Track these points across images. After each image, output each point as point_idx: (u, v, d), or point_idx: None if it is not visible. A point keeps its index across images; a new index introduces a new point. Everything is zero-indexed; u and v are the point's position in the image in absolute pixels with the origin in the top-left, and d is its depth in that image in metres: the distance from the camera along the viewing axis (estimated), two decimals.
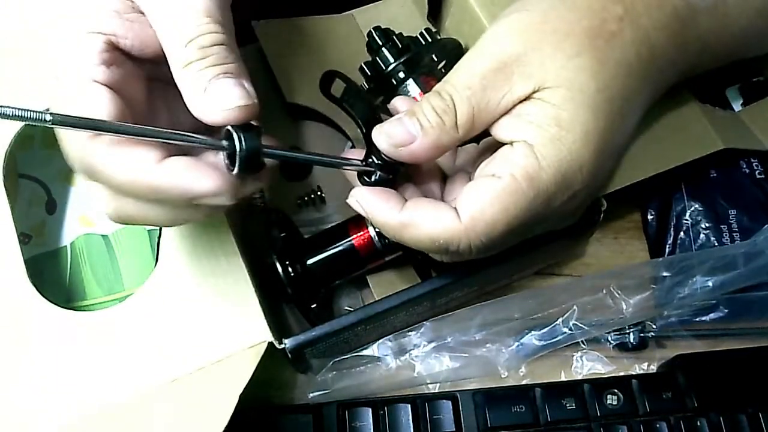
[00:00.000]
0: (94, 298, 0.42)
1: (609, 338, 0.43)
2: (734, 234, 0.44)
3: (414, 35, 0.44)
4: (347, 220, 0.41)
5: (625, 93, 0.30)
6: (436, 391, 0.42)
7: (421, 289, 0.37)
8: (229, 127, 0.27)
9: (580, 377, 0.43)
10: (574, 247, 0.46)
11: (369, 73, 0.43)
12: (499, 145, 0.30)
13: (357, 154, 0.32)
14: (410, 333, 0.41)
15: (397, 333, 0.41)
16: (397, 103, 0.33)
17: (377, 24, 0.43)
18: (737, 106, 0.47)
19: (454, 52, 0.46)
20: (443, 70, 0.47)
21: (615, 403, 0.41)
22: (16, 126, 0.38)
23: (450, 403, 0.40)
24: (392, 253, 0.40)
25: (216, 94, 0.26)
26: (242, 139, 0.26)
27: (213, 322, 0.36)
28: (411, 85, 0.42)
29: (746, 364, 0.42)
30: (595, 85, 0.29)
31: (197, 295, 0.36)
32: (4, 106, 0.24)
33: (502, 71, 0.29)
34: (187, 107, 0.27)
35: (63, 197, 0.44)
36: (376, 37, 0.43)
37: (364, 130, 0.39)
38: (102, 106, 0.27)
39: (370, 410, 0.40)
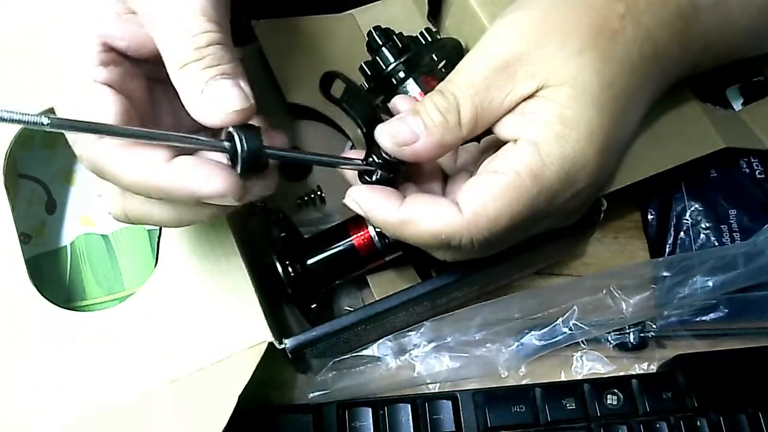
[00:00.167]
0: (94, 298, 0.42)
1: (609, 338, 0.43)
2: (734, 234, 0.44)
3: (414, 35, 0.44)
4: (347, 220, 0.41)
5: (628, 90, 0.30)
6: (436, 391, 0.42)
7: (421, 289, 0.37)
8: (230, 128, 0.27)
9: (580, 377, 0.43)
10: (574, 247, 0.46)
11: (369, 73, 0.43)
12: (502, 143, 0.30)
13: (357, 154, 0.32)
14: (410, 333, 0.41)
15: (397, 333, 0.41)
16: (398, 102, 0.33)
17: (377, 24, 0.43)
18: (737, 105, 0.47)
19: (454, 51, 0.46)
20: (443, 70, 0.47)
21: (615, 403, 0.41)
22: (17, 126, 0.38)
23: (450, 403, 0.40)
24: (392, 253, 0.40)
25: (213, 95, 0.26)
26: (243, 139, 0.26)
27: (213, 322, 0.36)
28: (411, 85, 0.42)
29: (746, 364, 0.42)
30: (599, 83, 0.29)
31: (197, 296, 0.36)
32: (1, 110, 0.24)
33: (505, 70, 0.29)
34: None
35: (63, 197, 0.44)
36: (376, 37, 0.43)
37: (365, 130, 0.39)
38: (105, 105, 0.27)
39: (370, 410, 0.40)
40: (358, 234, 0.40)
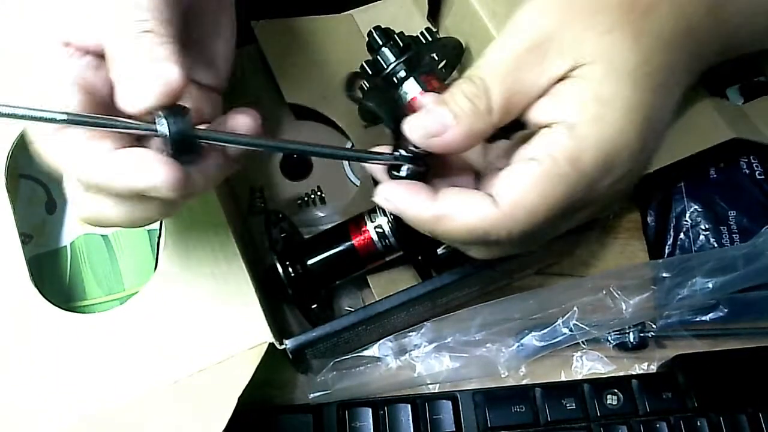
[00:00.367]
0: (94, 298, 0.42)
1: (609, 338, 0.43)
2: (734, 235, 0.44)
3: (414, 35, 0.44)
4: (347, 220, 0.41)
5: (665, 66, 0.28)
6: (436, 391, 0.42)
7: (421, 289, 0.37)
8: (159, 111, 0.26)
9: (580, 377, 0.43)
10: (575, 246, 0.46)
11: (370, 72, 0.43)
12: (535, 134, 0.28)
13: (385, 149, 0.31)
14: (411, 333, 0.41)
15: (398, 333, 0.41)
16: (425, 99, 0.31)
17: (377, 24, 0.43)
18: (738, 105, 0.47)
19: (454, 51, 0.46)
20: (444, 70, 0.47)
21: (615, 403, 0.41)
22: (19, 127, 0.38)
23: (450, 403, 0.41)
24: (392, 253, 0.40)
25: (134, 82, 0.25)
26: (169, 121, 0.25)
27: (213, 323, 0.36)
28: (412, 84, 0.42)
29: (746, 364, 0.42)
30: (634, 59, 0.27)
31: (198, 296, 0.36)
32: (16, 106, 0.24)
33: (535, 51, 0.27)
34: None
35: (63, 197, 0.44)
36: (377, 37, 0.43)
37: (392, 126, 0.38)
38: (68, 102, 0.26)
39: (370, 410, 0.40)
40: (358, 234, 0.40)
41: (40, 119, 0.25)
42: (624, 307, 0.41)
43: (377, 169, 0.31)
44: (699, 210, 0.45)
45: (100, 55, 0.27)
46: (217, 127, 0.29)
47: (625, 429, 0.40)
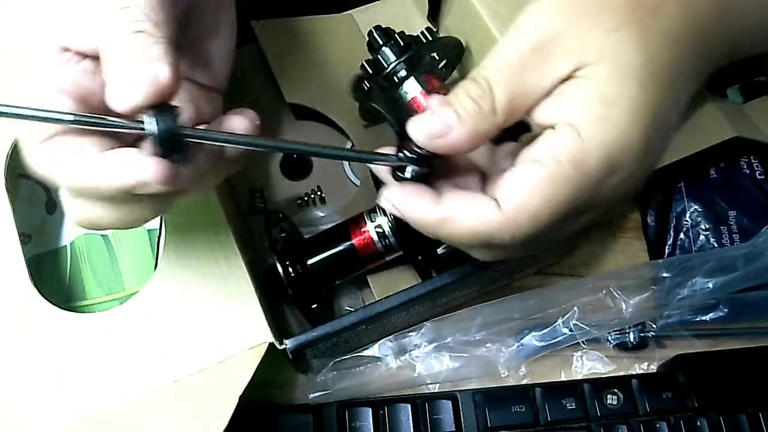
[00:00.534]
0: (94, 298, 0.42)
1: (609, 338, 0.43)
2: (734, 235, 0.44)
3: (414, 34, 0.44)
4: (347, 220, 0.41)
5: (672, 65, 0.28)
6: (436, 391, 0.42)
7: (421, 289, 0.37)
8: (146, 110, 0.25)
9: (580, 377, 0.43)
10: (575, 247, 0.46)
11: (370, 72, 0.43)
12: (541, 133, 0.28)
13: (390, 150, 0.30)
14: (411, 333, 0.41)
15: (398, 333, 0.41)
16: (430, 100, 0.31)
17: (377, 23, 0.43)
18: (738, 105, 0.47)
19: (455, 50, 0.46)
20: (444, 69, 0.47)
21: (615, 403, 0.41)
22: (19, 127, 0.38)
23: (450, 403, 0.41)
24: (392, 253, 0.40)
25: (123, 80, 0.25)
26: (156, 119, 0.25)
27: (214, 322, 0.36)
28: (412, 83, 0.42)
29: (746, 364, 0.42)
30: (640, 58, 0.27)
31: (198, 296, 0.36)
32: (17, 106, 0.24)
33: (539, 51, 0.27)
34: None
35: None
36: (377, 36, 0.43)
37: (396, 128, 0.37)
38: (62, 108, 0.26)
39: (370, 410, 0.40)
40: (358, 234, 0.40)
41: (42, 119, 0.25)
42: (624, 307, 0.41)
43: (382, 170, 0.31)
44: (699, 210, 0.45)
45: (98, 59, 0.27)
46: (214, 128, 0.29)
47: (625, 429, 0.40)
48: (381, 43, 0.42)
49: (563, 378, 0.43)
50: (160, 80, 0.25)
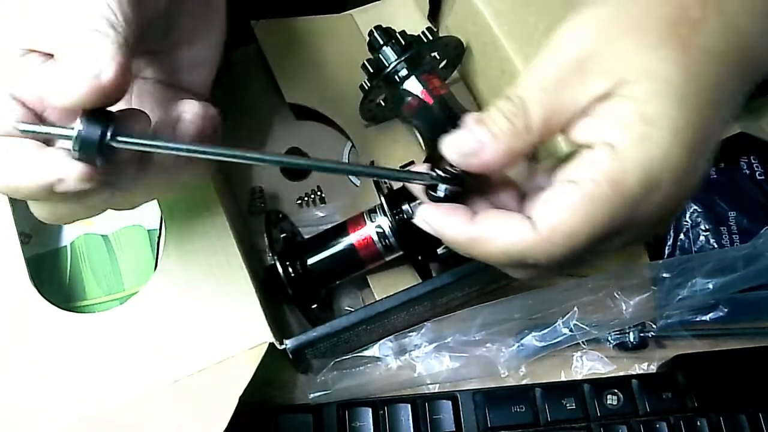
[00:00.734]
0: (94, 298, 0.42)
1: (609, 338, 0.43)
2: (734, 236, 0.44)
3: (415, 34, 0.44)
4: (347, 220, 0.41)
5: (715, 82, 0.27)
6: (436, 391, 0.42)
7: (421, 289, 0.37)
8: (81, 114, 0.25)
9: (580, 377, 0.43)
10: None
11: (371, 71, 0.43)
12: (578, 152, 0.27)
13: (424, 168, 0.30)
14: (411, 333, 0.41)
15: (398, 333, 0.41)
16: (466, 119, 0.30)
17: (377, 23, 0.43)
18: None
19: (455, 50, 0.46)
20: (444, 69, 0.47)
21: (615, 403, 0.41)
22: None
23: (450, 403, 0.41)
24: (392, 253, 0.40)
25: (67, 77, 0.25)
26: (82, 124, 0.25)
27: (214, 322, 0.36)
28: (413, 83, 0.42)
29: (746, 364, 0.42)
30: (682, 76, 0.26)
31: (198, 296, 0.36)
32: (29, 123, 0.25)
33: (576, 69, 0.27)
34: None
35: None
36: (378, 36, 0.43)
37: (426, 147, 0.37)
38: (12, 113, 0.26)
39: (370, 410, 0.40)
40: (358, 234, 0.40)
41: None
42: (624, 307, 0.41)
43: (416, 188, 0.31)
44: (699, 210, 0.45)
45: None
46: (167, 116, 0.29)
47: (625, 429, 0.40)
48: (382, 42, 0.42)
49: (563, 378, 0.43)
50: (102, 80, 0.24)
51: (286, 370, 0.42)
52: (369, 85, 0.43)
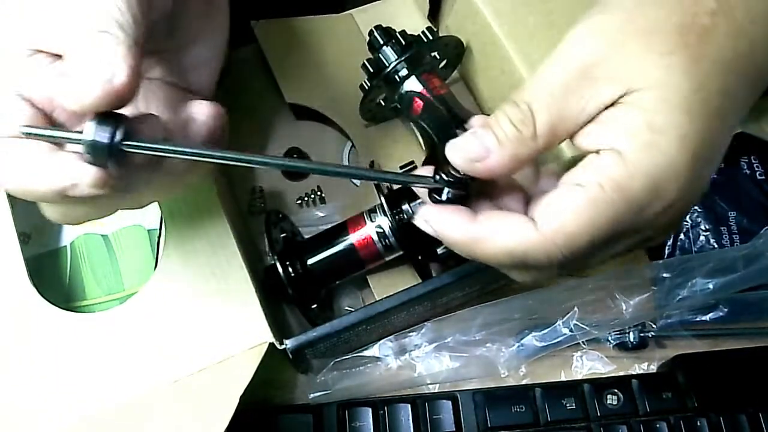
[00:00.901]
0: (94, 298, 0.42)
1: (609, 338, 0.43)
2: (734, 236, 0.44)
3: (415, 34, 0.44)
4: (347, 220, 0.41)
5: (723, 91, 0.27)
6: (436, 391, 0.42)
7: (421, 289, 0.37)
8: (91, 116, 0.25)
9: (580, 377, 0.43)
10: None
11: (371, 70, 0.43)
12: (584, 156, 0.28)
13: (428, 171, 0.30)
14: (411, 333, 0.41)
15: (398, 333, 0.41)
16: (474, 121, 0.31)
17: (377, 23, 0.43)
18: None
19: (455, 50, 0.46)
20: (444, 68, 0.47)
21: (615, 403, 0.41)
22: None
23: (450, 403, 0.40)
24: (392, 253, 0.40)
25: (78, 80, 0.25)
26: (93, 128, 0.25)
27: (214, 322, 0.36)
28: (413, 82, 0.42)
29: (746, 364, 0.42)
30: (689, 85, 0.26)
31: (198, 296, 0.36)
32: (38, 127, 0.25)
33: (585, 76, 0.27)
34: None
35: None
36: (378, 36, 0.43)
37: (424, 146, 0.37)
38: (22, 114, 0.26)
39: (370, 410, 0.40)
40: (358, 234, 0.40)
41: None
42: (624, 307, 0.41)
43: (419, 190, 0.31)
44: (699, 210, 0.45)
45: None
46: (177, 117, 0.29)
47: (625, 429, 0.40)
48: (382, 42, 0.42)
49: (563, 378, 0.43)
50: (115, 83, 0.24)
51: (286, 370, 0.42)
52: (369, 85, 0.43)
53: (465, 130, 0.28)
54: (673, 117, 0.26)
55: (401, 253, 0.40)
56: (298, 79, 0.47)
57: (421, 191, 0.30)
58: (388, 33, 0.43)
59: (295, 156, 0.49)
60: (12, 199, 0.38)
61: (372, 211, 0.40)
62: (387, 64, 0.42)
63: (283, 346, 0.35)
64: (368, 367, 0.41)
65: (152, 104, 0.31)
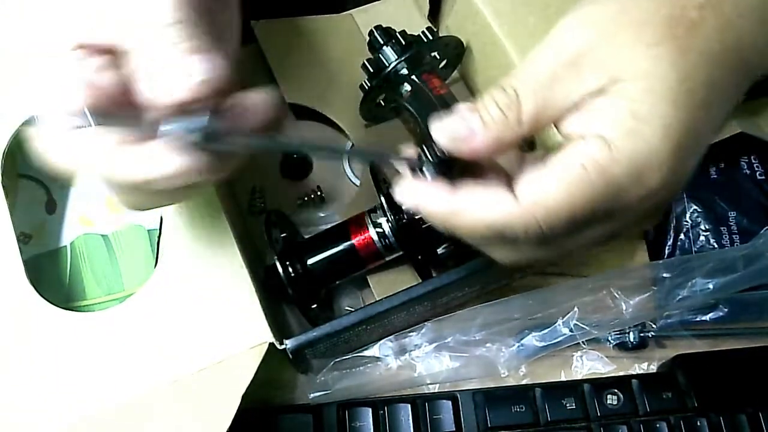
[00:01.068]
0: (94, 298, 0.42)
1: (609, 338, 0.43)
2: (734, 236, 0.44)
3: (415, 34, 0.44)
4: (347, 220, 0.41)
5: (709, 84, 0.27)
6: (436, 391, 0.42)
7: (421, 289, 0.37)
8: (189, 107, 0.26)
9: (580, 377, 0.43)
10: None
11: (371, 71, 0.43)
12: (569, 141, 0.28)
13: (412, 150, 0.30)
14: (411, 333, 0.41)
15: (398, 333, 0.41)
16: (461, 106, 0.31)
17: (377, 23, 0.43)
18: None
19: (455, 50, 0.46)
20: (444, 69, 0.47)
21: (615, 403, 0.41)
22: (14, 126, 0.38)
23: (450, 403, 0.40)
24: (392, 253, 0.40)
25: (176, 71, 0.25)
26: (206, 118, 0.26)
27: (213, 322, 0.36)
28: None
29: (746, 364, 0.42)
30: (676, 76, 0.26)
31: (198, 296, 0.36)
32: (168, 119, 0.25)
33: (572, 64, 0.27)
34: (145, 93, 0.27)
35: (63, 197, 0.44)
36: (378, 36, 0.43)
37: (424, 128, 0.37)
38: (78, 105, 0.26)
39: (370, 410, 0.40)
40: (359, 234, 0.40)
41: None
42: (624, 307, 0.41)
43: (402, 169, 0.30)
44: (699, 210, 0.45)
45: (113, 53, 0.27)
46: (236, 103, 0.29)
47: (625, 429, 0.40)
48: (382, 42, 0.42)
49: (563, 378, 0.43)
50: (214, 74, 0.25)
51: (286, 370, 0.42)
52: (369, 85, 0.43)
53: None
54: (658, 107, 0.26)
55: (401, 253, 0.40)
56: (298, 79, 0.47)
57: (404, 170, 0.30)
58: (388, 33, 0.43)
59: (295, 156, 0.49)
60: (12, 199, 0.38)
61: (372, 211, 0.40)
62: (387, 64, 0.42)
63: (283, 346, 0.35)
64: (368, 367, 0.41)
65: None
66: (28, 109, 0.35)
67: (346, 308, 0.44)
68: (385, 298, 0.37)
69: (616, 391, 0.41)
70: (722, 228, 0.44)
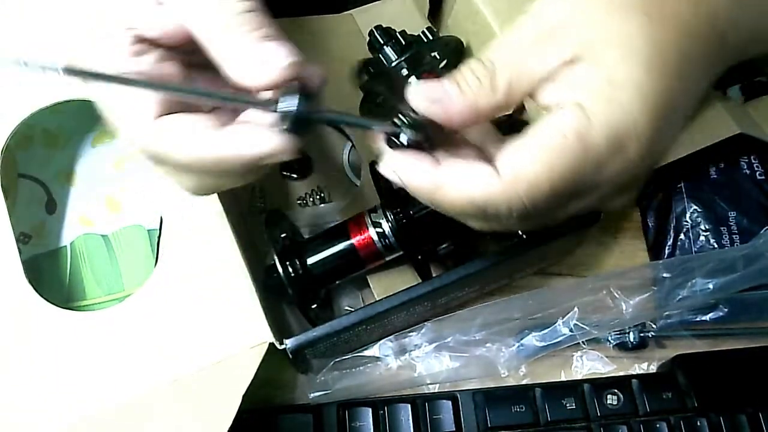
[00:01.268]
0: (94, 298, 0.42)
1: (609, 338, 0.43)
2: (734, 236, 0.44)
3: (415, 34, 0.44)
4: (347, 220, 0.41)
5: (683, 55, 0.28)
6: (436, 391, 0.42)
7: (421, 289, 0.37)
8: (284, 89, 0.27)
9: (580, 377, 0.43)
10: (574, 246, 0.46)
11: (372, 71, 0.43)
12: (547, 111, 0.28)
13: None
14: (411, 333, 0.41)
15: (398, 333, 0.41)
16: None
17: (377, 23, 0.43)
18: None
19: (455, 50, 0.46)
20: (445, 68, 0.47)
21: (615, 403, 0.41)
22: (13, 125, 0.38)
23: (450, 403, 0.40)
24: (392, 253, 0.40)
25: (258, 56, 0.27)
26: (298, 99, 0.27)
27: (213, 322, 0.36)
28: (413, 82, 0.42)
29: (746, 364, 0.42)
30: (650, 44, 0.27)
31: (197, 296, 0.36)
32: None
33: (546, 34, 0.28)
34: (227, 78, 0.27)
35: (63, 197, 0.44)
36: (378, 36, 0.43)
37: (393, 101, 0.38)
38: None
39: (370, 410, 0.40)
40: (358, 234, 0.40)
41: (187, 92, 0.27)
42: (624, 308, 0.41)
43: (377, 139, 0.31)
44: (699, 210, 0.45)
45: (168, 47, 0.28)
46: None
47: (625, 429, 0.40)
48: (382, 42, 0.42)
49: (563, 378, 0.43)
50: (291, 59, 0.27)
51: (286, 370, 0.42)
52: (369, 85, 0.43)
53: None
54: (633, 73, 0.27)
55: (401, 253, 0.40)
56: None
57: (379, 141, 0.30)
58: (388, 33, 0.43)
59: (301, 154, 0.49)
60: (12, 199, 0.38)
61: (372, 211, 0.40)
62: (387, 65, 0.42)
63: (283, 346, 0.35)
64: (368, 367, 0.41)
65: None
66: (28, 109, 0.35)
67: (346, 308, 0.44)
68: (385, 298, 0.37)
69: (616, 391, 0.41)
70: (722, 228, 0.44)
